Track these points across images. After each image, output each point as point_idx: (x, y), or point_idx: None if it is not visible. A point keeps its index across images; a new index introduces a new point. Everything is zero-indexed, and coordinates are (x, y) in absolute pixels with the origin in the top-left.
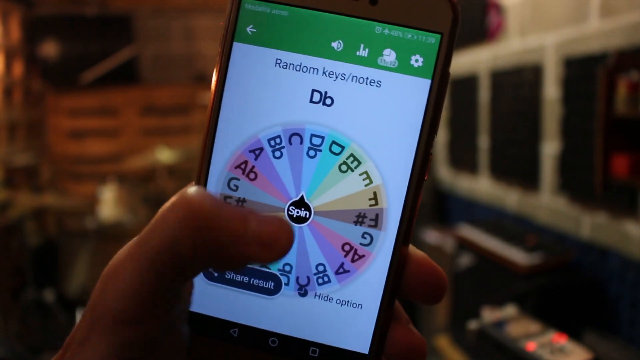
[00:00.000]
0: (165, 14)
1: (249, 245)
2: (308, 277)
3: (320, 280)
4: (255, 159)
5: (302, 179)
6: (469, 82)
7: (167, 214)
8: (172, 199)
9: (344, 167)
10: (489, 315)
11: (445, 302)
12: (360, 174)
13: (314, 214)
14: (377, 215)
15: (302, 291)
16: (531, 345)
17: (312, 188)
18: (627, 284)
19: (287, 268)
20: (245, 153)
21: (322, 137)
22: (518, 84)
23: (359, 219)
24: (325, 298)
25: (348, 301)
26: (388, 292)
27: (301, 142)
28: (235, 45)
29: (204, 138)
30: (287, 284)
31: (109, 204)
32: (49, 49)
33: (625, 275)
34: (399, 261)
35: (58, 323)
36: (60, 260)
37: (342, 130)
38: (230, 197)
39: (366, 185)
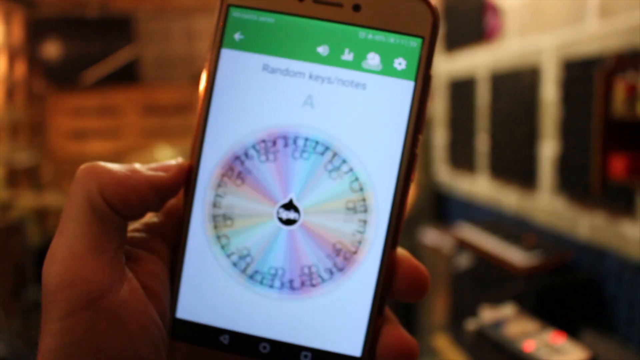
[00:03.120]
0: (166, 15)
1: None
2: (299, 280)
3: (311, 283)
4: (243, 164)
5: (290, 182)
6: (467, 84)
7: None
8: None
9: (330, 169)
10: (487, 314)
11: (444, 301)
12: (348, 176)
13: (304, 215)
14: (365, 216)
15: (293, 294)
16: (529, 345)
17: (300, 190)
18: (624, 284)
19: (279, 271)
20: (233, 158)
21: (309, 140)
22: (516, 85)
23: (348, 220)
24: (316, 301)
25: (339, 303)
26: (379, 293)
27: (288, 145)
28: (223, 51)
29: (192, 143)
30: (278, 287)
31: None
32: (51, 49)
33: (623, 276)
34: (388, 262)
35: None
36: None
37: (328, 132)
38: (219, 202)
39: (354, 187)
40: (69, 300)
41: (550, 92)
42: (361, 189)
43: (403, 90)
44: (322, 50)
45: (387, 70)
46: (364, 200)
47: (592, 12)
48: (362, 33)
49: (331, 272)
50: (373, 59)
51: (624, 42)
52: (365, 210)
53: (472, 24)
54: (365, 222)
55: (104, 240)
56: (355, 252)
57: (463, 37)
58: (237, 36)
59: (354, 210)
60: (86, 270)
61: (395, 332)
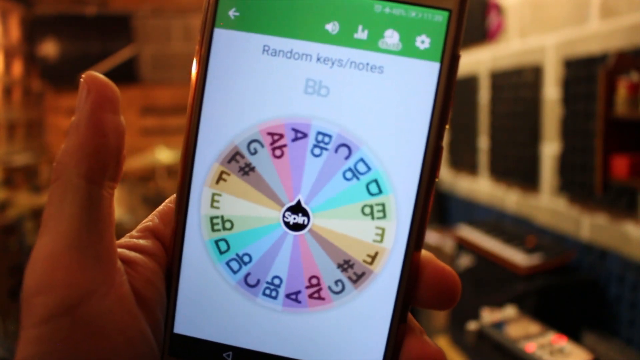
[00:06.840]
0: (164, 14)
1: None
2: (308, 292)
3: (322, 295)
4: (243, 162)
5: (296, 181)
6: (469, 83)
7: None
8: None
9: (344, 166)
10: (488, 316)
11: None
12: (364, 174)
13: (313, 220)
14: (385, 219)
15: (302, 308)
16: (531, 346)
17: (309, 191)
18: (626, 285)
19: (286, 283)
20: (231, 155)
21: (318, 133)
22: (518, 84)
23: (365, 224)
24: (329, 314)
25: (355, 316)
26: (401, 302)
27: (294, 140)
28: (217, 31)
29: (184, 139)
30: (285, 300)
31: None
32: (49, 48)
33: (625, 277)
34: (410, 271)
35: None
36: None
37: (340, 123)
38: (217, 204)
39: (371, 187)
40: (45, 306)
41: (551, 92)
42: (379, 189)
43: (427, 73)
44: (332, 27)
45: (408, 50)
46: (382, 201)
47: (594, 11)
48: (378, 6)
49: (345, 283)
50: (391, 37)
51: (626, 41)
52: (384, 213)
53: (475, 23)
54: (384, 226)
55: (87, 230)
56: (372, 261)
57: (464, 36)
58: (232, 13)
59: (371, 212)
60: (65, 272)
61: (419, 344)
